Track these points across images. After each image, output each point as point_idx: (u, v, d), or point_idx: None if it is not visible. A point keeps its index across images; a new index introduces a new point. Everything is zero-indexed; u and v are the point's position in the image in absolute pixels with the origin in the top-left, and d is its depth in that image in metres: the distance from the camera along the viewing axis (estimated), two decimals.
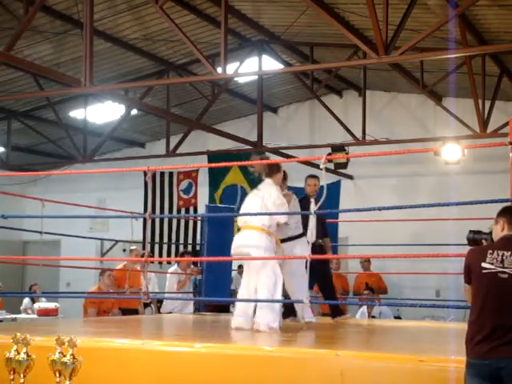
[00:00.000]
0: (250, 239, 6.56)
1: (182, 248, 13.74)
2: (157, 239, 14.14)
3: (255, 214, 6.64)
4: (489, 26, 9.47)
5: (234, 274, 10.58)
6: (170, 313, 9.91)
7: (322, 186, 6.64)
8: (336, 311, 8.19)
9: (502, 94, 11.63)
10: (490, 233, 3.96)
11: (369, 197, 13.33)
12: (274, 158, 11.87)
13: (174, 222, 14.44)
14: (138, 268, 10.37)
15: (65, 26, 10.05)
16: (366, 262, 12.17)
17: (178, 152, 12.85)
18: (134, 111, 13.47)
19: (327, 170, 7.43)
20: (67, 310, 11.90)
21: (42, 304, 11.15)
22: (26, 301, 12.00)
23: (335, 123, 12.63)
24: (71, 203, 9.60)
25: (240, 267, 10.59)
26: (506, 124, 8.93)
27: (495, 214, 3.88)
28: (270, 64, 11.88)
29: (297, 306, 7.34)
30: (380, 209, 6.62)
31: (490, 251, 3.71)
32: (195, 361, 4.87)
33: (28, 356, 3.68)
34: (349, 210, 9.98)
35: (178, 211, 14.48)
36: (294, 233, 7.22)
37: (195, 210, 14.37)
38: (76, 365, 3.63)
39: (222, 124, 14.33)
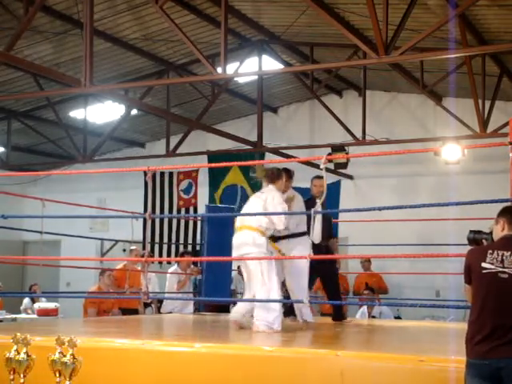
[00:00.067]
0: (247, 239, 6.59)
1: (182, 248, 13.75)
2: (157, 239, 14.15)
3: (254, 215, 6.65)
4: (489, 26, 9.47)
5: (233, 273, 10.57)
6: (170, 313, 9.92)
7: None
8: (339, 314, 8.18)
9: (502, 94, 11.63)
10: (491, 233, 3.97)
11: (369, 197, 13.33)
12: (274, 158, 11.96)
13: (174, 221, 14.45)
14: (138, 268, 10.38)
15: (65, 26, 10.05)
16: (366, 262, 12.18)
17: (178, 152, 12.85)
18: (134, 111, 13.46)
19: (327, 169, 7.42)
20: (67, 310, 11.90)
21: (42, 304, 11.15)
22: (26, 301, 12.00)
23: (335, 123, 12.63)
24: (71, 203, 9.60)
25: (240, 267, 10.59)
26: (506, 124, 8.93)
27: (495, 214, 3.89)
28: (270, 64, 11.87)
29: (295, 306, 7.34)
30: (380, 209, 6.62)
31: (490, 251, 3.71)
32: (195, 361, 4.88)
33: (28, 356, 3.68)
34: (349, 210, 10.00)
35: (178, 211, 14.48)
36: (293, 231, 7.21)
37: (195, 210, 14.37)
38: (76, 365, 3.63)
39: (221, 124, 14.33)
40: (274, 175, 6.87)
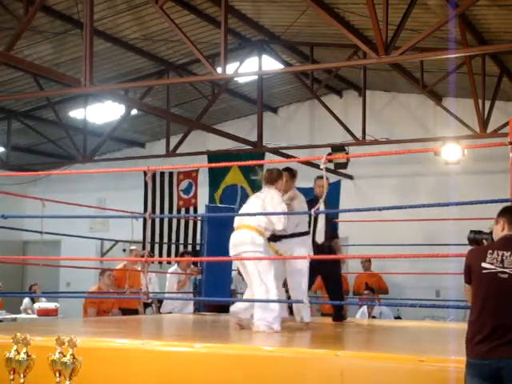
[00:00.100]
0: (245, 238, 6.61)
1: (182, 248, 13.75)
2: (157, 239, 14.15)
3: (254, 214, 6.65)
4: (489, 26, 9.47)
5: (233, 274, 10.57)
6: (170, 313, 9.92)
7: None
8: (339, 315, 8.18)
9: (502, 94, 11.63)
10: (491, 233, 3.97)
11: (369, 197, 13.33)
12: (274, 158, 11.97)
13: (174, 221, 14.45)
14: (138, 268, 10.38)
15: (65, 26, 10.05)
16: (366, 261, 12.18)
17: (178, 152, 12.85)
18: (134, 111, 13.46)
19: (327, 169, 7.43)
20: (67, 310, 11.90)
21: (42, 304, 11.15)
22: (26, 301, 12.00)
23: (335, 123, 12.63)
24: (71, 203, 9.60)
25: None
26: (506, 124, 8.93)
27: (495, 214, 3.89)
28: (270, 64, 11.87)
29: (294, 306, 7.34)
30: (380, 209, 6.62)
31: (490, 251, 3.71)
32: (195, 361, 4.88)
33: (28, 356, 3.68)
34: (349, 210, 10.00)
35: (178, 211, 14.48)
36: (292, 231, 7.21)
37: (195, 210, 14.37)
38: (76, 365, 3.63)
39: (221, 124, 14.33)
40: (274, 175, 6.88)
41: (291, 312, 7.51)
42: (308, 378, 4.55)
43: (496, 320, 3.59)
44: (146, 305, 10.95)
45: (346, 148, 12.12)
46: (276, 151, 12.72)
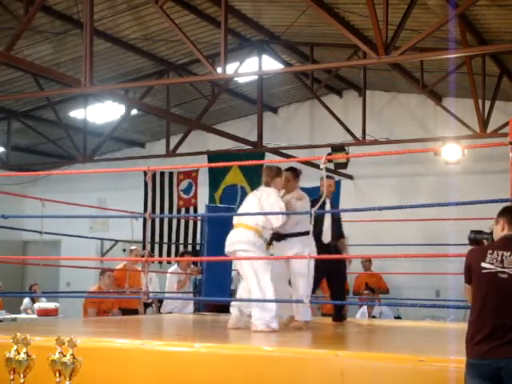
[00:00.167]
0: (242, 237, 6.63)
1: (182, 248, 13.75)
2: (157, 239, 14.15)
3: (254, 214, 6.67)
4: (489, 26, 9.47)
5: (233, 273, 10.57)
6: (170, 313, 9.92)
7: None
8: (339, 315, 8.18)
9: (502, 94, 11.63)
10: (491, 233, 3.97)
11: (369, 197, 13.33)
12: (274, 158, 11.96)
13: (174, 221, 14.45)
14: (138, 268, 10.38)
15: (65, 26, 10.04)
16: (367, 261, 12.18)
17: (178, 152, 12.85)
18: (134, 111, 13.46)
19: (327, 169, 7.43)
20: (67, 310, 11.90)
21: (42, 304, 11.15)
22: (26, 301, 12.00)
23: (335, 123, 12.63)
24: (71, 203, 9.60)
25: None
26: (506, 124, 8.93)
27: (495, 214, 3.89)
28: (270, 64, 11.87)
29: (294, 305, 7.35)
30: (380, 209, 6.62)
31: (490, 251, 3.72)
32: (195, 361, 4.88)
33: (28, 356, 3.68)
34: (349, 210, 9.98)
35: (178, 211, 14.48)
36: (291, 231, 7.21)
37: (195, 210, 14.37)
38: (76, 365, 3.63)
39: (221, 124, 14.33)
40: (273, 173, 6.89)
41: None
42: (308, 378, 4.55)
43: (496, 320, 3.59)
44: (147, 305, 10.96)
45: (346, 148, 12.12)
46: (276, 151, 12.72)
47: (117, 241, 12.92)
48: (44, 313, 10.73)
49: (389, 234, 11.55)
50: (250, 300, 6.66)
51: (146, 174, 10.36)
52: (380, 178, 13.53)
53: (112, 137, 13.95)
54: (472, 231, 4.17)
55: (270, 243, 7.25)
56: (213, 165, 12.06)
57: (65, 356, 3.64)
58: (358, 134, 12.02)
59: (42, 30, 10.00)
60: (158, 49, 11.48)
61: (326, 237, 7.70)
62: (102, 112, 13.53)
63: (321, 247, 7.31)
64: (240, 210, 6.99)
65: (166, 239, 14.27)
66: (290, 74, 12.57)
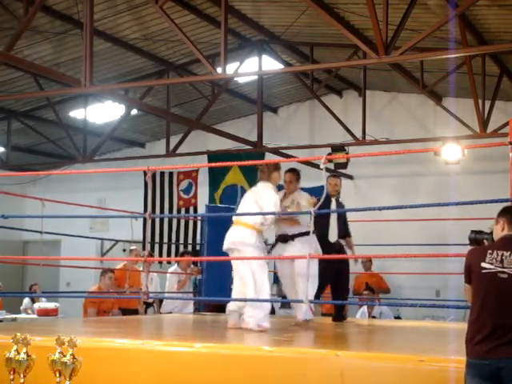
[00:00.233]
0: (239, 236, 6.66)
1: (182, 248, 13.74)
2: (157, 239, 14.14)
3: (254, 214, 6.67)
4: (489, 26, 9.47)
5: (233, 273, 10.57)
6: (170, 313, 9.92)
7: (322, 186, 6.66)
8: (339, 315, 8.17)
9: (502, 94, 11.63)
10: (491, 233, 3.97)
11: (369, 197, 13.33)
12: (274, 158, 11.96)
13: (174, 221, 14.43)
14: (138, 268, 10.38)
15: (65, 26, 10.04)
16: (367, 261, 12.18)
17: (178, 152, 12.85)
18: (134, 111, 13.46)
19: (327, 169, 7.43)
20: (67, 310, 11.89)
21: (42, 304, 11.15)
22: (26, 301, 12.00)
23: (335, 123, 12.63)
24: (71, 203, 9.60)
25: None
26: (506, 124, 8.93)
27: (495, 214, 3.89)
28: (270, 64, 11.87)
29: (294, 305, 7.36)
30: (380, 209, 6.63)
31: (490, 251, 3.72)
32: (195, 361, 4.88)
33: (28, 356, 3.68)
34: (349, 210, 9.99)
35: (178, 211, 14.47)
36: (292, 232, 7.21)
37: (195, 210, 14.36)
38: (76, 365, 3.63)
39: (221, 124, 14.33)
40: (271, 167, 6.92)
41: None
42: (308, 378, 4.55)
43: (496, 320, 3.59)
44: (148, 304, 10.96)
45: (346, 148, 12.12)
46: (276, 151, 12.72)
47: (117, 241, 12.92)
48: (44, 313, 10.73)
49: (389, 233, 11.55)
50: (249, 300, 6.66)
51: (145, 173, 10.35)
52: (380, 178, 13.53)
53: (112, 137, 13.95)
54: (472, 231, 4.18)
55: (273, 245, 7.29)
56: (213, 165, 12.06)
57: (65, 356, 3.64)
58: (358, 134, 12.02)
59: (42, 29, 10.00)
60: (158, 49, 11.48)
61: (333, 235, 7.72)
62: (102, 112, 13.53)
63: (326, 246, 7.33)
64: (239, 208, 7.01)
65: (166, 239, 14.27)
66: (290, 74, 12.56)
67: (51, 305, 11.06)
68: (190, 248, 13.49)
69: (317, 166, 9.09)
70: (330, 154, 11.37)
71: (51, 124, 13.96)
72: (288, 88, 13.92)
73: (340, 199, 8.20)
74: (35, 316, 10.89)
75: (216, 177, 14.15)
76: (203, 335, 6.92)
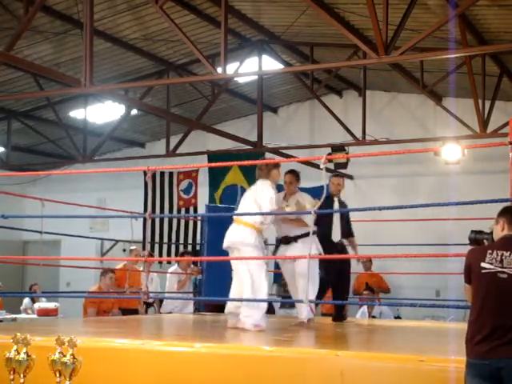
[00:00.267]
0: (239, 235, 6.67)
1: (182, 248, 13.74)
2: (157, 239, 14.13)
3: (254, 214, 6.68)
4: (489, 26, 9.47)
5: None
6: (170, 313, 9.92)
7: (322, 186, 6.66)
8: (339, 315, 8.17)
9: (502, 94, 11.63)
10: (491, 233, 3.97)
11: (369, 197, 13.33)
12: (274, 158, 11.95)
13: (174, 221, 14.43)
14: (138, 268, 10.38)
15: (65, 26, 10.04)
16: (367, 261, 12.17)
17: (178, 152, 12.85)
18: (134, 111, 13.46)
19: (327, 169, 7.43)
20: (67, 310, 11.89)
21: (42, 304, 11.15)
22: (26, 301, 12.00)
23: (335, 123, 12.63)
24: (71, 203, 9.60)
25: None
26: (506, 124, 8.93)
27: (495, 214, 3.89)
28: (270, 64, 11.87)
29: (298, 306, 7.37)
30: (380, 209, 6.63)
31: (490, 251, 3.72)
32: (195, 361, 4.88)
33: (28, 356, 3.68)
34: (349, 210, 9.99)
35: (178, 211, 14.46)
36: (294, 233, 7.22)
37: (195, 210, 14.36)
38: (76, 365, 3.63)
39: (221, 124, 14.33)
40: (270, 166, 6.92)
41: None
42: (308, 378, 4.55)
43: (496, 320, 3.59)
44: (149, 304, 10.96)
45: (346, 148, 12.12)
46: (276, 151, 12.72)
47: (117, 241, 12.92)
48: (44, 313, 10.73)
49: (389, 233, 11.55)
50: (249, 300, 6.66)
51: (145, 173, 10.35)
52: (380, 178, 13.53)
53: (112, 137, 13.95)
54: (472, 231, 4.18)
55: (277, 246, 7.30)
56: (213, 165, 12.06)
57: (65, 356, 3.64)
58: (358, 134, 12.02)
59: (42, 29, 10.00)
60: (158, 49, 11.48)
61: (336, 235, 7.72)
62: (102, 112, 13.53)
63: (328, 245, 7.33)
64: (239, 207, 7.02)
65: (166, 239, 14.26)
66: (290, 74, 12.56)
67: (51, 305, 11.07)
68: (189, 248, 13.49)
69: (317, 166, 9.10)
70: (329, 154, 11.37)
71: (51, 124, 13.96)
72: (288, 88, 13.92)
73: (342, 199, 8.21)
74: (35, 316, 10.90)
75: (216, 177, 14.14)
76: (203, 335, 6.92)
